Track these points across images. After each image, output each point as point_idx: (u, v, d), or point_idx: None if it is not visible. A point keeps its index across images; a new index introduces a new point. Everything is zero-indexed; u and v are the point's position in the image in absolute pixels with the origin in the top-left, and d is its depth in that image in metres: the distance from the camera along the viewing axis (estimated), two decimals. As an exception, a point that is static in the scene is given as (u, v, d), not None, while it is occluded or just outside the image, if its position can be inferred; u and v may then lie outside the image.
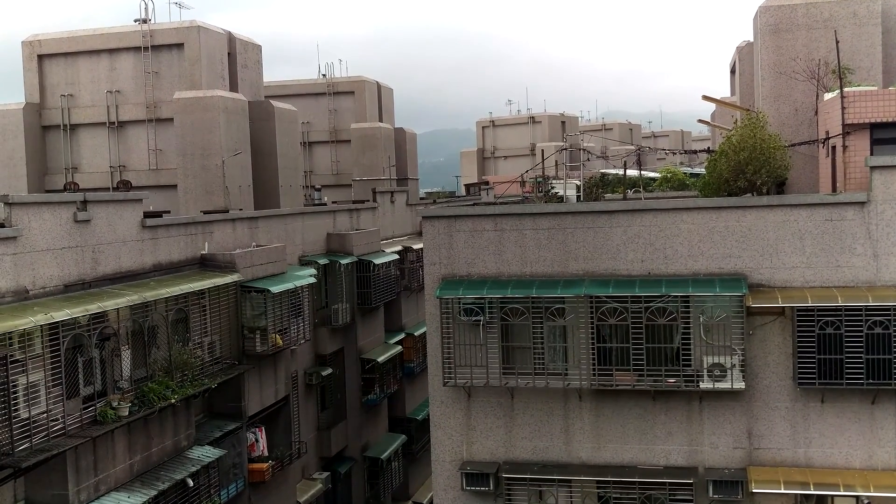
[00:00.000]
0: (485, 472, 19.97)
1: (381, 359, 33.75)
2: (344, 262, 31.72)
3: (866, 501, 18.37)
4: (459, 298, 19.84)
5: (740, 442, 19.15)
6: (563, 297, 19.34)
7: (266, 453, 26.17)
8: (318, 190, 41.16)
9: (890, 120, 20.81)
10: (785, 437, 18.96)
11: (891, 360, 17.83)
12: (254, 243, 26.88)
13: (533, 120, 75.49)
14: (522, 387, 19.79)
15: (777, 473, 18.59)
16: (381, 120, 50.31)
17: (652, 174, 36.94)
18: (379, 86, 51.06)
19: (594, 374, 19.28)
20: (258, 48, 37.77)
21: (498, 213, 20.28)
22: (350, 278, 32.33)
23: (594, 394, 19.71)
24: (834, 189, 22.00)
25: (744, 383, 18.59)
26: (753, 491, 18.40)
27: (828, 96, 23.41)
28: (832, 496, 18.37)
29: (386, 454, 34.61)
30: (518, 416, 20.21)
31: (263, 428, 26.37)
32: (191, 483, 21.09)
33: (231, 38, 35.77)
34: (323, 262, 31.04)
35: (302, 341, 27.63)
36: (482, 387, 20.03)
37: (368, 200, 38.51)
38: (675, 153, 37.05)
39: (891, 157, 18.88)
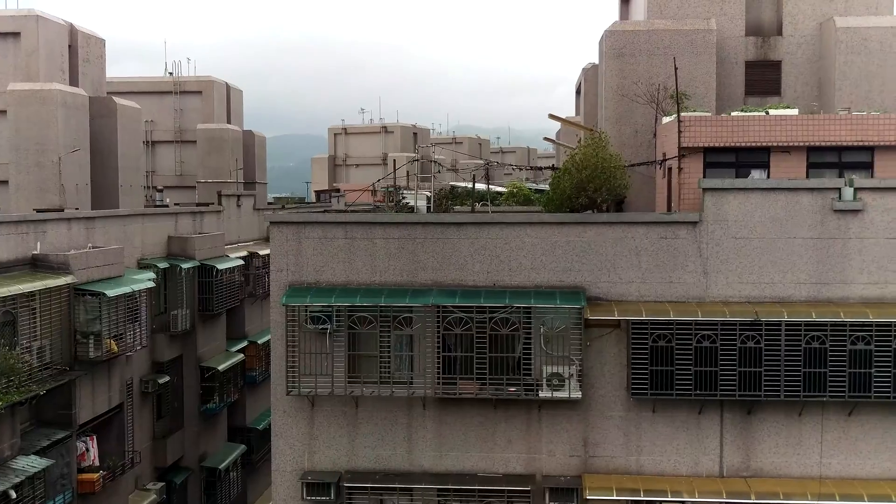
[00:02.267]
0: (326, 481, 19.78)
1: (221, 367, 32.93)
2: (185, 266, 30.79)
3: (690, 506, 19.40)
4: (306, 306, 19.61)
5: (576, 450, 19.79)
6: (411, 307, 19.44)
7: (97, 463, 25.05)
8: (161, 191, 39.89)
9: (721, 145, 22.09)
10: (618, 446, 19.74)
11: (717, 372, 18.89)
12: (90, 244, 25.71)
13: (385, 130, 75.72)
14: (368, 395, 19.76)
15: (610, 481, 19.32)
16: (229, 122, 49.23)
17: (499, 188, 37.76)
18: (228, 87, 49.99)
19: (439, 383, 19.48)
20: (101, 42, 36.23)
21: (348, 221, 20.21)
22: (191, 283, 31.40)
23: (438, 402, 19.90)
24: (669, 208, 23.12)
25: (580, 393, 19.24)
26: (588, 498, 19.03)
27: (666, 120, 24.57)
28: (660, 502, 19.26)
29: (224, 464, 33.77)
30: (362, 425, 20.15)
31: (95, 437, 25.23)
32: (13, 495, 19.89)
33: (73, 31, 34.16)
34: (163, 265, 30.02)
35: (138, 347, 26.63)
36: (327, 396, 19.86)
37: (213, 203, 37.55)
38: (521, 169, 38.06)
39: (721, 180, 20.08)
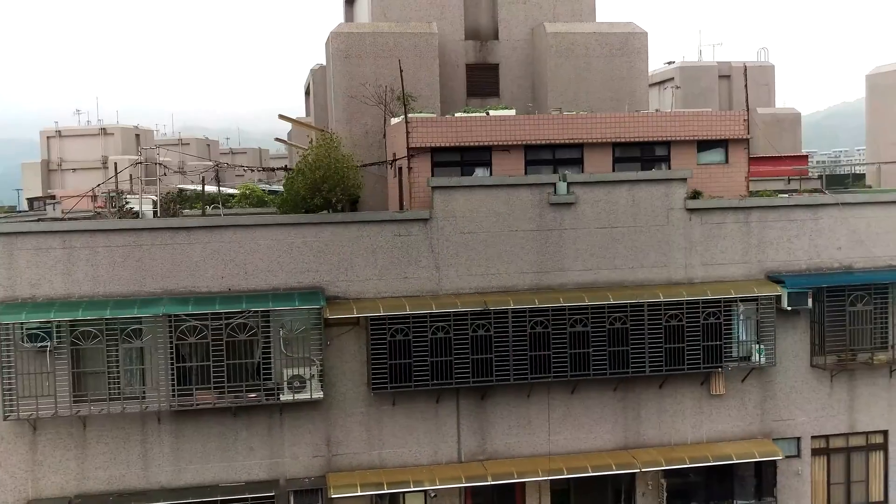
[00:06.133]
0: (54, 509, 18.41)
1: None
2: None
3: (433, 494, 20.01)
4: (22, 323, 18.11)
5: (320, 450, 19.81)
6: (140, 318, 18.54)
7: None
8: None
9: (447, 144, 22.87)
10: (361, 442, 19.99)
11: (451, 361, 19.64)
12: None
13: (105, 132, 71.29)
14: (96, 414, 18.60)
15: (354, 477, 19.53)
16: (-78, 125, 44.31)
17: (231, 191, 36.85)
18: (-81, 86, 44.98)
19: (174, 396, 18.72)
20: None
21: (67, 230, 18.90)
22: None
23: (174, 415, 19.12)
24: (402, 207, 23.64)
25: (322, 393, 19.28)
26: (332, 497, 19.10)
27: (394, 121, 25.09)
28: (403, 493, 19.70)
29: (-68, 504, 30.34)
30: (92, 446, 18.93)
31: None
32: None
33: None
34: None
35: None
36: (50, 418, 18.46)
37: None
38: (253, 170, 37.35)
39: (448, 179, 20.89)
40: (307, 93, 36.58)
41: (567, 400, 20.91)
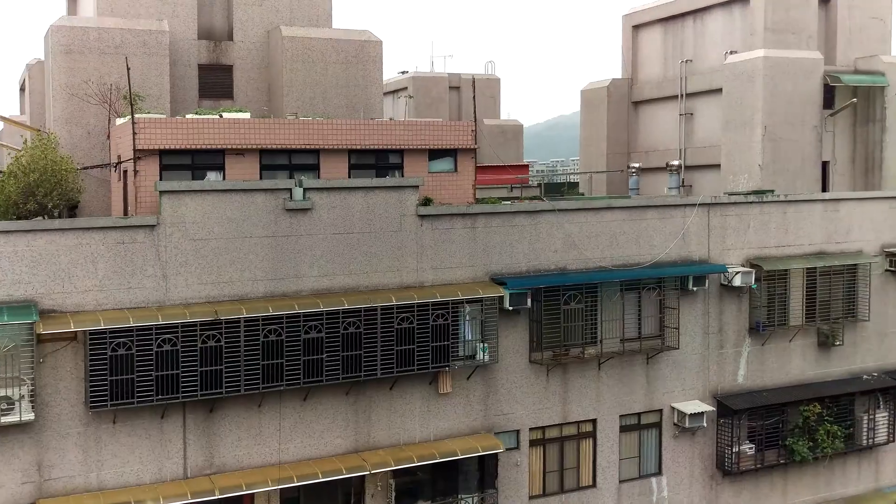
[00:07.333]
0: None
1: None
2: None
3: (156, 513, 19.28)
4: None
5: (30, 476, 18.47)
6: None
7: None
8: None
9: (177, 147, 22.12)
10: (77, 464, 18.86)
11: (178, 375, 19.01)
12: None
13: None
14: None
15: (69, 502, 18.40)
16: None
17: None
18: None
19: None
20: None
21: None
22: None
23: None
24: (126, 212, 22.59)
25: (33, 414, 18.00)
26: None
27: (120, 121, 23.93)
28: (124, 514, 18.80)
29: None
30: None
31: None
32: None
33: None
34: None
35: None
36: None
37: None
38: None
39: (178, 183, 20.18)
40: (22, 89, 34.14)
41: (299, 407, 20.88)
